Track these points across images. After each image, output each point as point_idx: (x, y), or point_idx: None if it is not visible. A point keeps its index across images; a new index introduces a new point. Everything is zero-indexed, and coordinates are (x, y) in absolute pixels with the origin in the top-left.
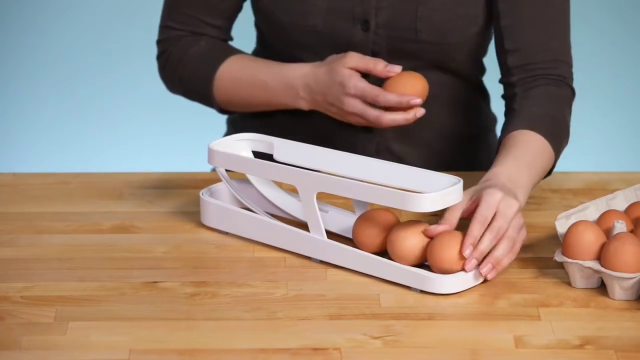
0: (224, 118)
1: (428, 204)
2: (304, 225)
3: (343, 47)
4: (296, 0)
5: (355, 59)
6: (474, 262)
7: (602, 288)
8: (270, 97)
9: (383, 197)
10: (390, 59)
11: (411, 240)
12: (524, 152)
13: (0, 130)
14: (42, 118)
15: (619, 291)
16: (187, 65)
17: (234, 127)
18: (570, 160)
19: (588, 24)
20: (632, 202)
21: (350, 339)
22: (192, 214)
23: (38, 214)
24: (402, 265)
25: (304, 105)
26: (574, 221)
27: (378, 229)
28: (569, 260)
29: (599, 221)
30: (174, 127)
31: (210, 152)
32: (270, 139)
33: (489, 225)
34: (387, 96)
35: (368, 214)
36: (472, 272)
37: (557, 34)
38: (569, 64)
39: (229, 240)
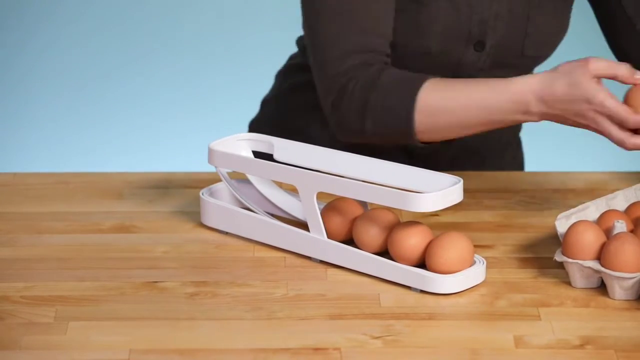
0: (223, 118)
1: (428, 204)
2: (304, 225)
3: (452, 67)
4: (413, 22)
5: (601, 67)
6: None
7: (602, 288)
8: (491, 116)
9: (383, 197)
10: (492, 72)
11: (412, 240)
12: None
13: (0, 130)
14: (42, 118)
15: (619, 291)
16: (380, 92)
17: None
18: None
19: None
20: (632, 202)
21: (350, 338)
22: (192, 214)
23: (38, 214)
24: (402, 265)
25: (534, 119)
26: (574, 221)
27: (379, 229)
28: (569, 260)
29: (599, 221)
30: (174, 127)
31: (210, 152)
32: (270, 138)
33: None
34: (638, 118)
35: (369, 214)
36: (473, 271)
37: None
38: None
39: (229, 240)
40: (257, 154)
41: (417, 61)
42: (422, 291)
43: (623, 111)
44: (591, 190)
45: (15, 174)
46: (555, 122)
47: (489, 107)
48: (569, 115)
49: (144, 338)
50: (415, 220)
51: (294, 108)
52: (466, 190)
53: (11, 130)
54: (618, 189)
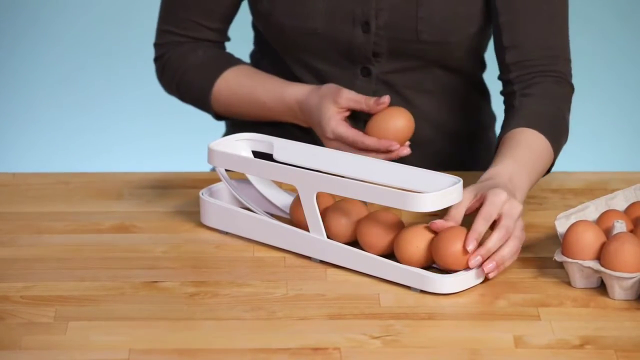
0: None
1: (428, 204)
2: (303, 225)
3: (344, 48)
4: (296, 3)
5: (347, 99)
6: (478, 258)
7: (602, 288)
8: (269, 115)
9: (383, 197)
10: (391, 59)
11: (418, 243)
12: (525, 152)
13: (0, 130)
14: (42, 118)
15: (618, 291)
16: (185, 73)
17: (233, 127)
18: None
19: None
20: (632, 202)
21: (350, 338)
22: (192, 214)
23: (38, 214)
24: (402, 265)
25: (303, 124)
26: (574, 221)
27: (384, 231)
28: (569, 260)
29: (599, 221)
30: (174, 127)
31: (210, 152)
32: (270, 138)
33: (496, 224)
34: (366, 142)
35: (373, 216)
36: (473, 271)
37: (555, 30)
38: (567, 60)
39: (229, 240)
40: (257, 154)
41: (307, 43)
42: (422, 291)
43: (351, 135)
44: (591, 190)
45: (15, 174)
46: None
47: (267, 107)
48: (318, 133)
49: (144, 338)
50: (421, 223)
51: None
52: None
53: (11, 130)
54: (618, 189)
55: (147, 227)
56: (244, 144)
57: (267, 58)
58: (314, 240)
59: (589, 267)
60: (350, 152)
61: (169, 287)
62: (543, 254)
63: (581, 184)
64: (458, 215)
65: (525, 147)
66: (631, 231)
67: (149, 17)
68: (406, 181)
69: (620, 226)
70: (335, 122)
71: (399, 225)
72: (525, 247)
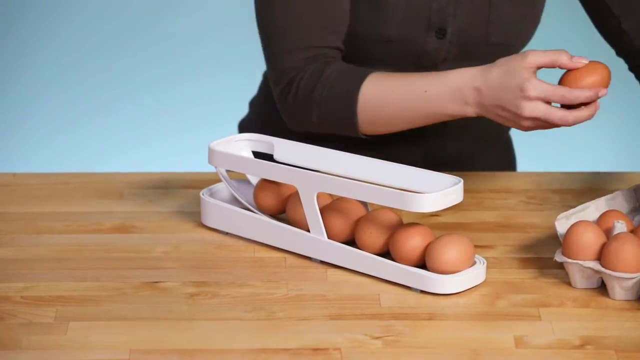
0: (224, 119)
1: (429, 204)
2: (304, 225)
3: (414, 55)
4: (373, 10)
5: (538, 57)
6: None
7: (602, 288)
8: (430, 106)
9: (383, 197)
10: (457, 61)
11: (413, 242)
12: None
13: (0, 130)
14: (42, 118)
15: (619, 291)
16: (325, 86)
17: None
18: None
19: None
20: (632, 202)
21: (350, 339)
22: (192, 214)
23: (38, 214)
24: (402, 265)
25: (470, 111)
26: (574, 221)
27: (381, 230)
28: (569, 260)
29: (599, 221)
30: (174, 127)
31: (210, 152)
32: (270, 139)
33: None
34: (576, 93)
35: (371, 215)
36: (473, 271)
37: None
38: None
39: (229, 240)
40: (257, 154)
41: (379, 49)
42: (422, 291)
43: (558, 89)
44: (591, 190)
45: (15, 174)
46: (492, 118)
47: (427, 97)
48: (505, 104)
49: (144, 338)
50: (416, 222)
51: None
52: (466, 190)
53: (11, 130)
54: (618, 189)
55: (147, 227)
56: (244, 144)
57: None
58: (315, 240)
59: (590, 268)
60: (552, 111)
61: (169, 287)
62: (543, 254)
63: (581, 184)
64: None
65: None
66: (631, 231)
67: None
68: (406, 181)
69: (621, 226)
70: (536, 80)
71: (396, 224)
72: (526, 247)
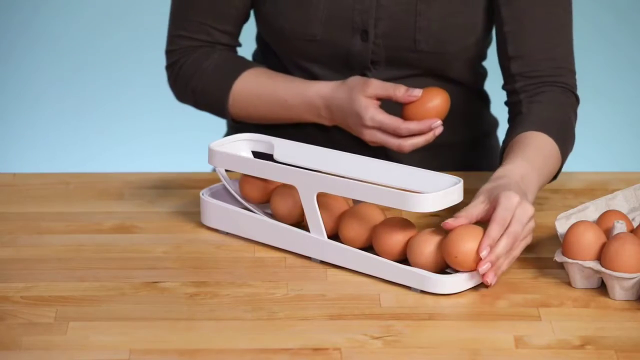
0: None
1: (428, 204)
2: (304, 226)
3: (342, 56)
4: (297, 8)
5: (375, 88)
6: (488, 265)
7: (602, 288)
8: (291, 115)
9: (383, 197)
10: (389, 67)
11: (396, 237)
12: (535, 153)
13: (0, 130)
14: (42, 118)
15: (619, 291)
16: (201, 78)
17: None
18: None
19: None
20: (632, 202)
21: (350, 339)
22: (192, 214)
23: (38, 214)
24: (402, 265)
25: (326, 122)
26: (574, 221)
27: (399, 237)
28: (569, 260)
29: (599, 221)
30: (175, 127)
31: (210, 152)
32: (270, 139)
33: (505, 229)
34: (409, 126)
35: (388, 221)
36: (473, 271)
37: (560, 41)
38: (572, 71)
39: (229, 240)
40: (257, 154)
41: (306, 48)
42: (422, 291)
43: (392, 122)
44: (591, 190)
45: (15, 174)
46: (347, 130)
47: (287, 106)
48: (350, 125)
49: (144, 338)
50: (398, 217)
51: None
52: (466, 190)
53: (11, 130)
54: (618, 189)
55: (147, 227)
56: (244, 144)
57: (268, 63)
58: (315, 240)
59: (590, 268)
60: (388, 139)
61: (169, 288)
62: (543, 254)
63: (581, 184)
64: (473, 213)
65: (535, 149)
66: (631, 231)
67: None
68: (406, 181)
69: (621, 226)
70: (373, 110)
71: (413, 230)
72: (526, 248)
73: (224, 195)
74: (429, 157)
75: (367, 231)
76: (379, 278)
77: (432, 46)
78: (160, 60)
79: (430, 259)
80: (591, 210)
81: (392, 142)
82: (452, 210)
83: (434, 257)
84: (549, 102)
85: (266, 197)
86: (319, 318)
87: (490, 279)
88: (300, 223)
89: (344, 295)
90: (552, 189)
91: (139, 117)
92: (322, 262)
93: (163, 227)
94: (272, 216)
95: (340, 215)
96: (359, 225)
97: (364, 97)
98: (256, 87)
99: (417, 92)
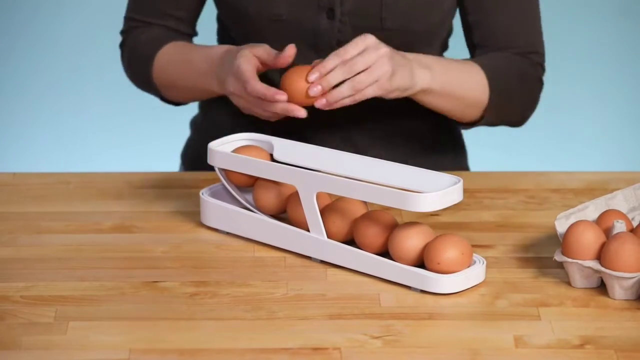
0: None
1: (428, 204)
2: (304, 225)
3: (309, 35)
4: None
5: (257, 47)
6: (318, 87)
7: (602, 288)
8: (195, 77)
9: (383, 197)
10: None
11: (412, 241)
12: (450, 60)
13: (0, 130)
14: (42, 118)
15: (619, 291)
16: (134, 49)
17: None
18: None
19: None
20: (632, 202)
21: (350, 338)
22: (192, 214)
23: (38, 214)
24: (402, 265)
25: (216, 87)
26: (574, 221)
27: (380, 229)
28: (569, 260)
29: (599, 221)
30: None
31: (210, 152)
32: (270, 138)
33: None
34: (255, 86)
35: (369, 215)
36: (473, 271)
37: (527, 27)
38: (540, 53)
39: (229, 240)
40: None
41: (273, 29)
42: (422, 291)
43: (246, 74)
44: (591, 190)
45: (15, 174)
46: (226, 89)
47: (193, 67)
48: (222, 77)
49: (144, 338)
50: (416, 221)
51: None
52: (466, 190)
53: (11, 130)
54: (617, 189)
55: (147, 227)
56: (243, 144)
57: None
58: (314, 240)
59: (589, 267)
60: (241, 98)
61: (169, 287)
62: (543, 254)
63: (581, 184)
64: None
65: (453, 60)
66: (631, 231)
67: None
68: (406, 181)
69: (620, 226)
70: (243, 59)
71: (395, 224)
72: (526, 247)
73: (224, 195)
74: (392, 145)
75: (349, 225)
76: (379, 278)
77: (399, 24)
78: None
79: (412, 253)
80: (591, 210)
81: (250, 99)
82: (451, 210)
83: (416, 251)
84: (502, 56)
85: (281, 205)
86: (319, 318)
87: (320, 103)
88: (282, 214)
89: (344, 295)
90: (552, 189)
91: (139, 117)
92: (322, 261)
93: (163, 227)
94: (289, 222)
95: (354, 220)
96: (341, 219)
97: (246, 52)
98: (175, 51)
99: (289, 51)
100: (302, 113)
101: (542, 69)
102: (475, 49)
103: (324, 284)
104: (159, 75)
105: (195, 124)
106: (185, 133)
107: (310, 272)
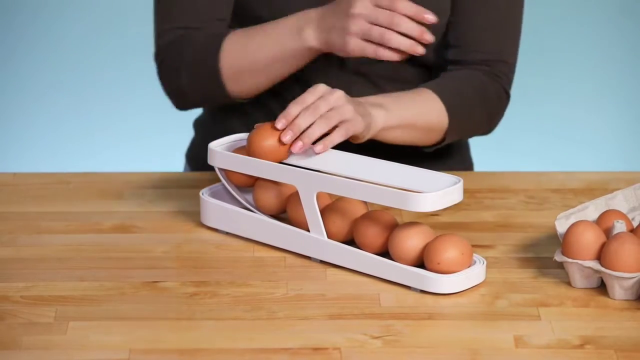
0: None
1: (428, 204)
2: (304, 225)
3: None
4: None
5: None
6: (290, 134)
7: (602, 288)
8: (277, 43)
9: (383, 197)
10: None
11: (413, 241)
12: (405, 93)
13: (0, 130)
14: (42, 118)
15: (619, 291)
16: (195, 51)
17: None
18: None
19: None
20: (632, 202)
21: (350, 338)
22: (192, 214)
23: (38, 214)
24: (402, 265)
25: (309, 40)
26: (574, 221)
27: (379, 230)
28: (569, 260)
29: (599, 221)
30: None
31: (210, 152)
32: None
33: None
34: (405, 3)
35: (369, 215)
36: (473, 271)
37: (503, 35)
38: (509, 64)
39: (229, 240)
40: None
41: None
42: (422, 291)
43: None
44: (591, 190)
45: (15, 174)
46: (327, 48)
47: (273, 33)
48: (335, 25)
49: (144, 338)
50: (416, 221)
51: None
52: (466, 190)
53: (11, 130)
54: (618, 189)
55: (147, 227)
56: (244, 144)
57: None
58: (314, 240)
59: (589, 267)
60: (373, 27)
61: (169, 287)
62: (543, 254)
63: (581, 184)
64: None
65: (408, 93)
66: (631, 231)
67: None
68: (406, 181)
69: (620, 226)
70: None
71: (395, 224)
72: (526, 247)
73: (224, 195)
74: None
75: (349, 225)
76: (379, 278)
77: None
78: None
79: (412, 253)
80: (591, 210)
81: (376, 29)
82: (452, 210)
83: (416, 251)
84: (459, 75)
85: (281, 205)
86: (319, 318)
87: (296, 147)
88: (282, 214)
89: (344, 295)
90: (552, 189)
91: (139, 117)
92: (321, 261)
93: (163, 227)
94: (290, 222)
95: (354, 221)
96: (341, 219)
97: None
98: (246, 31)
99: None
100: (420, 50)
101: (508, 80)
102: (448, 49)
103: (324, 284)
104: (231, 62)
105: (199, 124)
106: (186, 133)
107: (310, 272)
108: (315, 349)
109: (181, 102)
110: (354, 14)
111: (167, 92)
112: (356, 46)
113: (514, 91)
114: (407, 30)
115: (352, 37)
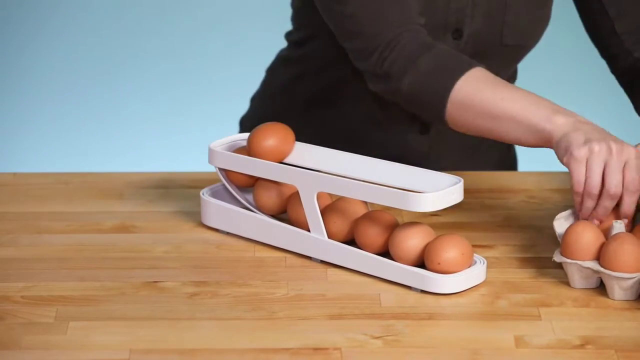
0: (224, 119)
1: (429, 204)
2: (304, 225)
3: None
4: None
5: None
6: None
7: (602, 288)
8: (523, 104)
9: (383, 197)
10: None
11: (413, 241)
12: None
13: (0, 130)
14: (42, 118)
15: (618, 291)
16: (431, 56)
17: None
18: None
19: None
20: None
21: (350, 338)
22: (192, 214)
23: (38, 214)
24: (402, 265)
25: (557, 122)
26: (572, 221)
27: (380, 230)
28: (568, 260)
29: None
30: (175, 127)
31: (211, 152)
32: None
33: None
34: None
35: (370, 215)
36: (473, 271)
37: None
38: None
39: (229, 240)
40: None
41: None
42: (422, 291)
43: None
44: None
45: (15, 174)
46: (584, 134)
47: (523, 98)
48: (602, 135)
49: (144, 338)
50: (416, 221)
51: (282, 103)
52: (466, 190)
53: (11, 130)
54: None
55: (147, 227)
56: (244, 144)
57: (313, 61)
58: (315, 240)
59: (589, 268)
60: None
61: (169, 287)
62: (543, 254)
63: None
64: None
65: None
66: (630, 231)
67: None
68: (406, 181)
69: (620, 226)
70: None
71: (395, 224)
72: (526, 247)
73: (224, 195)
74: (465, 157)
75: (349, 225)
76: (379, 278)
77: (516, 40)
78: (160, 60)
79: (413, 253)
80: None
81: (604, 201)
82: (452, 210)
83: (417, 251)
84: None
85: (281, 205)
86: (319, 318)
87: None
88: (282, 214)
89: (344, 295)
90: (553, 189)
91: (139, 117)
92: (322, 261)
93: (163, 227)
94: (290, 222)
95: (355, 220)
96: (341, 219)
97: (635, 149)
98: (491, 75)
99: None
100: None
101: None
102: (614, 21)
103: (324, 284)
104: (468, 93)
105: (256, 99)
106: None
107: (310, 272)
108: (316, 349)
109: (386, 94)
110: (619, 152)
111: (377, 81)
112: (576, 168)
113: None
114: (623, 212)
115: (583, 161)
